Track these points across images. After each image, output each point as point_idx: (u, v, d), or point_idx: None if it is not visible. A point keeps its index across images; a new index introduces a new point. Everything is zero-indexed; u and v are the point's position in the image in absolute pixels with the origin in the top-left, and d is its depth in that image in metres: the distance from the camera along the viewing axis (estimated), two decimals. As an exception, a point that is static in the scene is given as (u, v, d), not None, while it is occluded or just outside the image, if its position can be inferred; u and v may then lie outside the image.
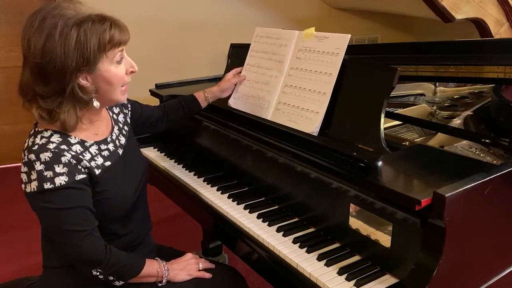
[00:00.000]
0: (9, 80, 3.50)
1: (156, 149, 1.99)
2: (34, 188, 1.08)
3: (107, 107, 1.34)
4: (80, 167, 1.13)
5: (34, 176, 1.08)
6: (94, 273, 1.16)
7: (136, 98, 1.52)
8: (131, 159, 1.31)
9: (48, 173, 1.07)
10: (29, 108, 1.14)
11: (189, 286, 1.31)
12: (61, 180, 1.08)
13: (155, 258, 1.30)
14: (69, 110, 1.11)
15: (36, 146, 1.09)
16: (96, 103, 1.15)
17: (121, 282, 1.21)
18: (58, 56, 1.05)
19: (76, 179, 1.11)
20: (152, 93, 2.07)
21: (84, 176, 1.13)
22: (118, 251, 1.20)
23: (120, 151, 1.28)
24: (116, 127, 1.32)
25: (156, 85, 2.11)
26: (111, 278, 1.18)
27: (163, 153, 1.94)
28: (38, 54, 1.06)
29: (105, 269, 1.16)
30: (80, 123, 1.17)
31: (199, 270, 1.34)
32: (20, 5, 3.44)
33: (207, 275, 1.33)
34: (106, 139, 1.25)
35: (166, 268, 1.27)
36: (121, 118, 1.38)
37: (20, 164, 1.15)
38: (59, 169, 1.08)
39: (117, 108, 1.39)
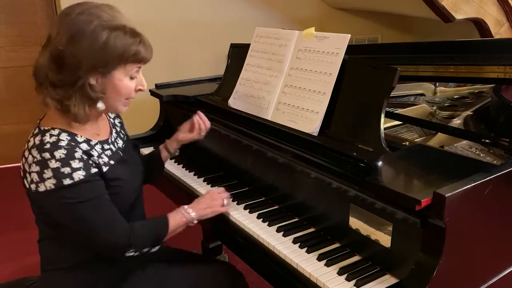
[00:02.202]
0: (9, 80, 3.49)
1: (156, 149, 1.99)
2: (50, 186, 1.09)
3: None
4: (91, 162, 1.15)
5: (48, 174, 1.08)
6: (128, 254, 1.19)
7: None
8: (130, 161, 1.33)
9: (65, 170, 1.08)
10: (40, 92, 1.15)
11: (188, 285, 1.31)
12: (79, 175, 1.10)
13: (178, 208, 1.32)
14: (79, 104, 1.13)
15: (48, 145, 1.10)
16: (100, 105, 1.17)
17: (157, 247, 1.26)
18: (81, 50, 1.08)
19: (92, 172, 1.13)
20: (152, 93, 2.07)
21: (96, 170, 1.16)
22: (140, 226, 1.22)
23: (120, 153, 1.30)
24: (114, 130, 1.34)
25: (156, 85, 2.11)
26: (146, 250, 1.22)
27: (163, 153, 1.94)
28: (64, 41, 1.08)
29: (137, 248, 1.19)
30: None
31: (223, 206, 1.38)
32: (20, 5, 3.44)
33: (229, 209, 1.40)
34: (107, 140, 1.27)
35: (190, 211, 1.31)
36: (117, 122, 1.40)
37: (20, 164, 1.15)
38: (75, 164, 1.10)
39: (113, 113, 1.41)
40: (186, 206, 1.32)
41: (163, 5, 3.49)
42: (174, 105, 1.96)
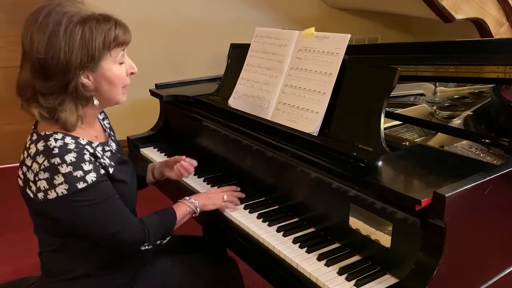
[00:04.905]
0: (9, 80, 3.50)
1: (156, 149, 1.99)
2: (62, 192, 1.06)
3: None
4: (98, 164, 1.14)
5: (59, 180, 1.05)
6: (143, 248, 1.20)
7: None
8: (127, 163, 1.32)
9: (78, 173, 1.06)
10: (27, 108, 1.13)
11: (182, 275, 1.35)
12: (91, 177, 1.08)
13: (180, 200, 1.36)
14: (71, 108, 1.11)
15: (56, 150, 1.06)
16: (96, 101, 1.16)
17: (167, 238, 1.28)
18: (62, 52, 1.05)
19: (101, 173, 1.13)
20: (152, 93, 2.07)
21: (104, 171, 1.15)
22: (151, 221, 1.23)
23: (119, 154, 1.29)
24: (106, 133, 1.33)
25: (156, 85, 2.11)
26: (158, 242, 1.24)
27: (163, 153, 1.94)
28: (42, 49, 1.05)
29: (150, 241, 1.21)
30: (81, 125, 1.17)
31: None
32: (20, 5, 3.44)
33: (230, 205, 1.43)
34: (106, 142, 1.26)
35: (193, 201, 1.35)
36: (106, 123, 1.38)
37: (19, 172, 1.14)
38: (86, 167, 1.08)
39: (102, 114, 1.38)
40: (187, 197, 1.36)
41: (163, 5, 3.50)
42: (174, 105, 1.96)
